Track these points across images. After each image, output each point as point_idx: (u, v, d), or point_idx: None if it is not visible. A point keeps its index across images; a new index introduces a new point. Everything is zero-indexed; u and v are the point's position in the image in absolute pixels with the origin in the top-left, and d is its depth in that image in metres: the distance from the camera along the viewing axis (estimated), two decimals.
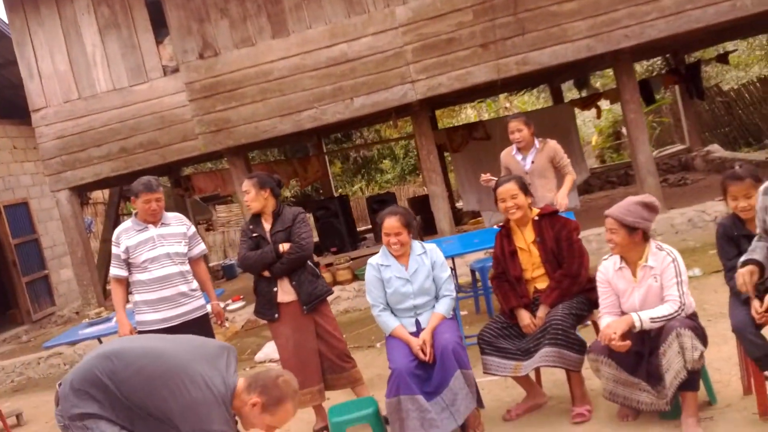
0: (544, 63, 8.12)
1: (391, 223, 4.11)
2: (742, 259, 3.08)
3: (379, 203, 10.78)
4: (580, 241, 4.17)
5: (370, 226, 12.57)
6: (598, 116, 14.05)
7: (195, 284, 4.76)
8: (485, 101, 19.89)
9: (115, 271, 4.67)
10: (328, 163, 15.04)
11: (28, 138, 12.44)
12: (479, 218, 11.20)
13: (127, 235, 4.64)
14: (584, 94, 14.75)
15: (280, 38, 8.47)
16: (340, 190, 18.25)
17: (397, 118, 10.01)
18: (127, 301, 4.84)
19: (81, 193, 10.39)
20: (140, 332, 4.60)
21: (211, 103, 8.64)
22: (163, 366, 2.80)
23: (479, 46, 8.13)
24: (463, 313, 6.60)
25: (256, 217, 4.60)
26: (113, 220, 12.06)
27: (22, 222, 12.03)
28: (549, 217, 4.21)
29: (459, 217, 12.07)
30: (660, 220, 7.89)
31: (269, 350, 6.76)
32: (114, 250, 4.67)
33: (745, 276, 2.92)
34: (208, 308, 4.86)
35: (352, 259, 9.36)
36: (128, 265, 4.65)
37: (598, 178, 14.01)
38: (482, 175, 5.75)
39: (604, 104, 13.76)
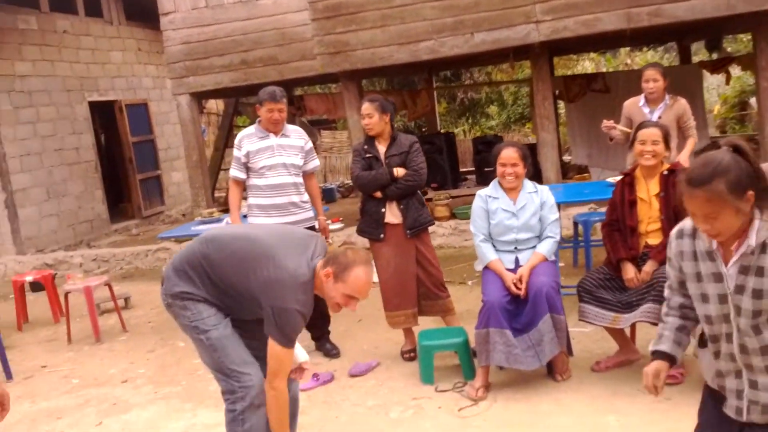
0: (679, 17, 7.69)
1: (509, 153, 4.12)
2: (651, 348, 2.35)
3: (486, 144, 10.68)
4: None
5: (472, 168, 12.47)
6: (727, 82, 13.22)
7: (306, 197, 4.94)
8: (606, 54, 19.08)
9: (235, 172, 4.88)
10: (436, 100, 14.93)
11: (152, 42, 12.91)
12: (585, 174, 10.94)
13: (249, 140, 4.82)
14: (714, 56, 13.91)
15: None
16: (443, 129, 18.08)
17: (514, 60, 9.78)
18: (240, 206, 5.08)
19: (199, 99, 10.77)
20: None
21: (332, 25, 8.69)
22: (252, 249, 2.99)
23: None
24: (560, 264, 6.53)
25: (371, 139, 4.67)
26: (227, 130, 12.50)
27: (141, 122, 12.61)
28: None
29: (565, 170, 11.80)
30: None
31: None
32: (235, 152, 4.87)
33: (651, 378, 2.23)
34: (316, 223, 5.03)
35: (452, 197, 9.38)
36: (247, 169, 4.84)
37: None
38: (605, 120, 5.60)
39: (734, 71, 12.93)
